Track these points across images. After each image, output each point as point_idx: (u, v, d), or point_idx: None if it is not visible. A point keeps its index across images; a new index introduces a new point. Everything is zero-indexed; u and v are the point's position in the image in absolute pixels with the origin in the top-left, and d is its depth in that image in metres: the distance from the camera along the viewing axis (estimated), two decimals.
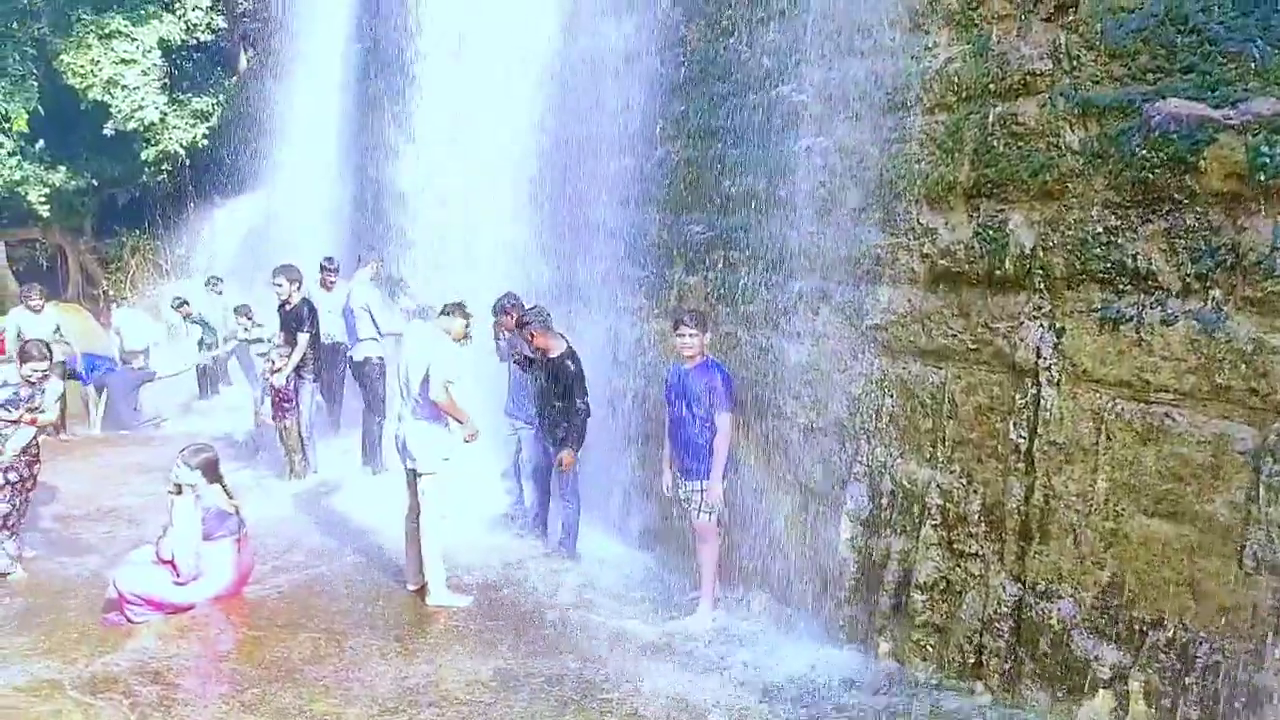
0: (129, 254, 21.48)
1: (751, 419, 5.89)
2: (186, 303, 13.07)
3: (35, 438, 6.43)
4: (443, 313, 6.07)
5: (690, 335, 5.57)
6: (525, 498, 7.42)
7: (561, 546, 6.87)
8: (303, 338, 8.75)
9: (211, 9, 19.91)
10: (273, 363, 8.78)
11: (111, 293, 21.57)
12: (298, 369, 8.76)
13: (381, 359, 9.04)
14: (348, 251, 11.66)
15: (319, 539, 7.20)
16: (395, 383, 5.94)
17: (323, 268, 10.00)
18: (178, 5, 19.20)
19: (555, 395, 6.67)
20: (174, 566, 5.57)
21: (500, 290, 7.47)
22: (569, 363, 6.64)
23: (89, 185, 20.47)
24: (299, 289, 8.90)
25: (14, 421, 6.21)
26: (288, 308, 8.86)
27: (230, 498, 5.95)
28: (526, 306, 7.05)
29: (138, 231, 21.61)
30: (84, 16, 17.84)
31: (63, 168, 19.79)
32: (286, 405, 8.68)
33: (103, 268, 22.36)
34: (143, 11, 18.37)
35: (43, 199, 19.65)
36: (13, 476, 6.25)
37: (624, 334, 7.41)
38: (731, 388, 5.61)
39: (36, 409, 6.31)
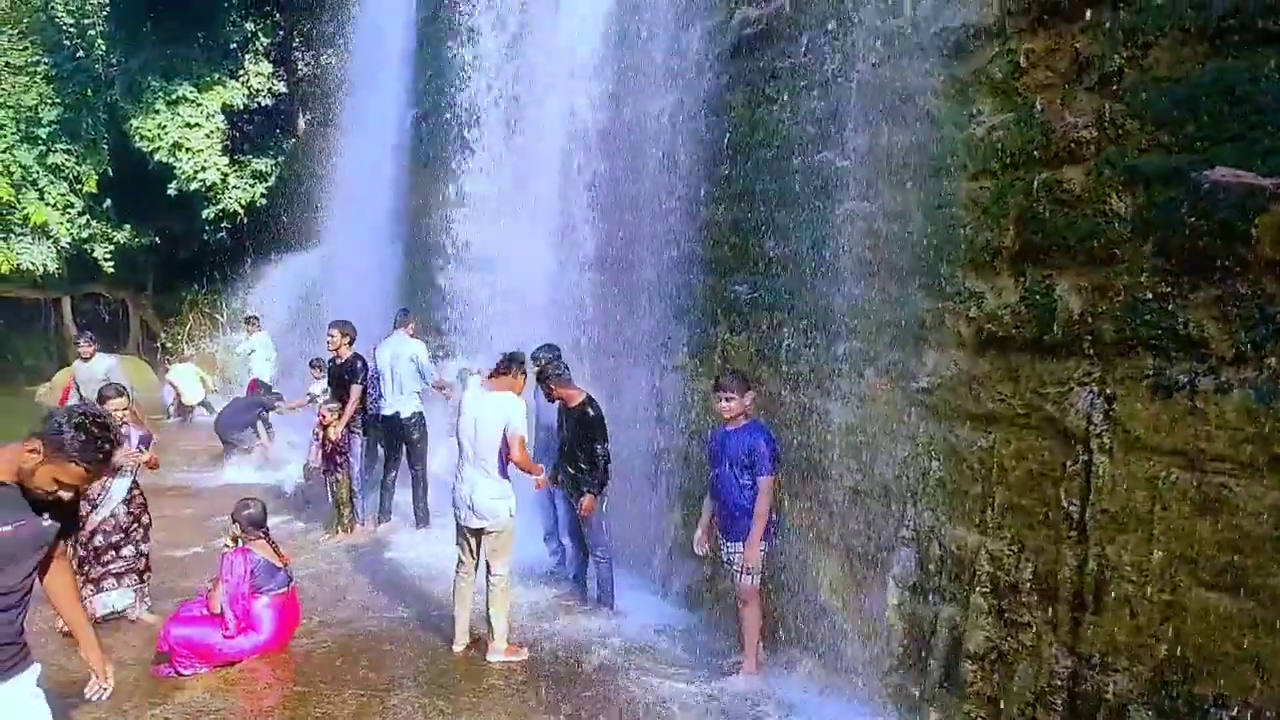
0: (187, 308, 22.20)
1: (796, 480, 5.87)
2: (257, 318, 13.77)
3: (135, 483, 6.38)
4: (503, 369, 6.01)
5: (730, 398, 5.59)
6: (567, 556, 7.44)
7: (600, 603, 6.86)
8: (355, 390, 8.92)
9: (273, 75, 20.78)
10: (323, 416, 8.94)
11: (169, 345, 22.27)
12: (349, 422, 8.91)
13: (423, 414, 9.15)
14: (398, 307, 11.93)
15: (366, 594, 7.26)
16: (463, 441, 5.93)
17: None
18: (241, 72, 20.08)
19: (577, 444, 6.76)
20: (224, 620, 5.66)
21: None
22: (589, 410, 6.74)
23: (152, 243, 21.28)
24: (350, 343, 9.10)
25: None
26: (339, 361, 9.05)
27: (278, 553, 6.04)
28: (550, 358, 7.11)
29: (196, 287, 22.36)
30: (153, 84, 18.72)
31: (128, 226, 20.63)
32: (339, 459, 8.82)
33: (161, 322, 23.10)
34: (209, 79, 19.24)
35: (108, 255, 20.47)
36: (117, 530, 6.26)
37: (668, 393, 7.45)
38: (775, 450, 5.61)
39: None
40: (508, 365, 6.01)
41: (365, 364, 9.14)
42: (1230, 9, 3.43)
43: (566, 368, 6.96)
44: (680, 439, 7.23)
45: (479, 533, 5.91)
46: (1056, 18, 4.14)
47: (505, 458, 5.83)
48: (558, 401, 7.00)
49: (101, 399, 6.40)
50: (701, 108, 6.95)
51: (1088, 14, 3.99)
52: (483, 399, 5.89)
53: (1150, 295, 3.77)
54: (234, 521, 5.98)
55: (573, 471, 6.84)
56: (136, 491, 6.45)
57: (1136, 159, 3.80)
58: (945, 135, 4.74)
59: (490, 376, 6.05)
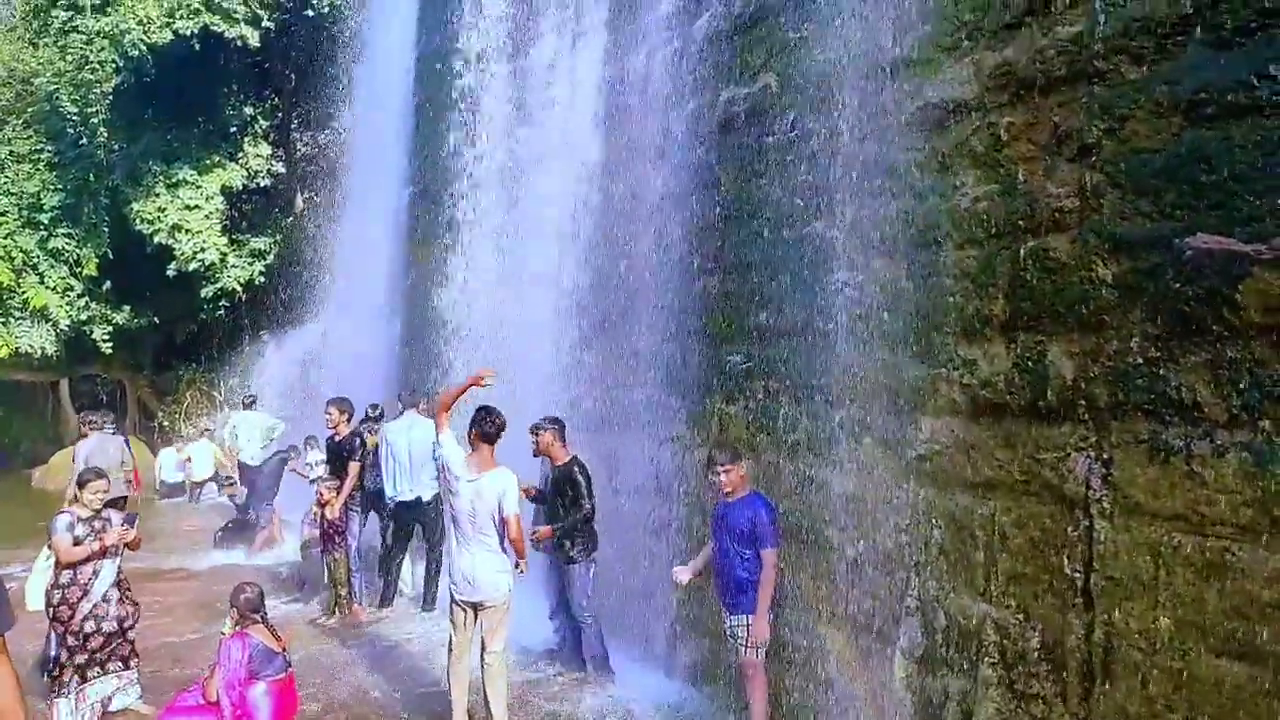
0: (185, 387, 22.21)
1: (797, 551, 5.81)
2: (254, 397, 14.19)
3: (119, 569, 6.22)
4: (488, 434, 5.88)
5: (725, 471, 5.57)
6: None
7: (596, 672, 6.74)
8: (353, 467, 8.87)
9: (272, 156, 21.17)
10: (321, 495, 8.88)
11: (166, 424, 22.22)
12: (347, 501, 8.85)
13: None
14: (397, 385, 11.95)
15: (364, 676, 7.12)
16: (461, 516, 5.86)
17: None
18: (240, 154, 20.46)
19: (561, 505, 6.72)
20: (219, 709, 5.54)
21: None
22: (575, 469, 6.71)
23: (151, 322, 21.39)
24: (349, 420, 9.09)
25: (91, 557, 6.03)
26: (338, 438, 9.03)
27: (276, 636, 5.95)
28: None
29: (194, 365, 22.41)
30: (154, 168, 19.07)
31: (127, 307, 20.76)
32: (336, 538, 8.73)
33: (159, 401, 23.09)
34: (208, 161, 19.60)
35: (106, 337, 20.55)
36: (110, 617, 6.12)
37: (666, 464, 7.43)
38: (775, 521, 5.57)
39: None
40: (491, 428, 5.91)
41: (364, 441, 9.12)
42: (1201, 85, 3.54)
43: (563, 424, 6.95)
44: (680, 510, 7.18)
45: (477, 607, 5.83)
46: (1033, 92, 4.26)
47: (502, 533, 5.79)
48: (544, 460, 7.00)
49: (80, 483, 6.33)
50: (693, 182, 7.09)
51: (1064, 89, 4.10)
52: (480, 476, 5.85)
53: (1141, 360, 3.81)
54: (232, 606, 5.89)
55: (558, 535, 6.79)
56: (122, 575, 6.38)
57: (1119, 227, 3.88)
58: (931, 206, 4.83)
59: (477, 440, 5.94)
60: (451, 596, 5.93)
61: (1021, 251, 4.33)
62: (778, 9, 6.12)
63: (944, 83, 4.75)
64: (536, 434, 7.00)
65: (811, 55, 5.75)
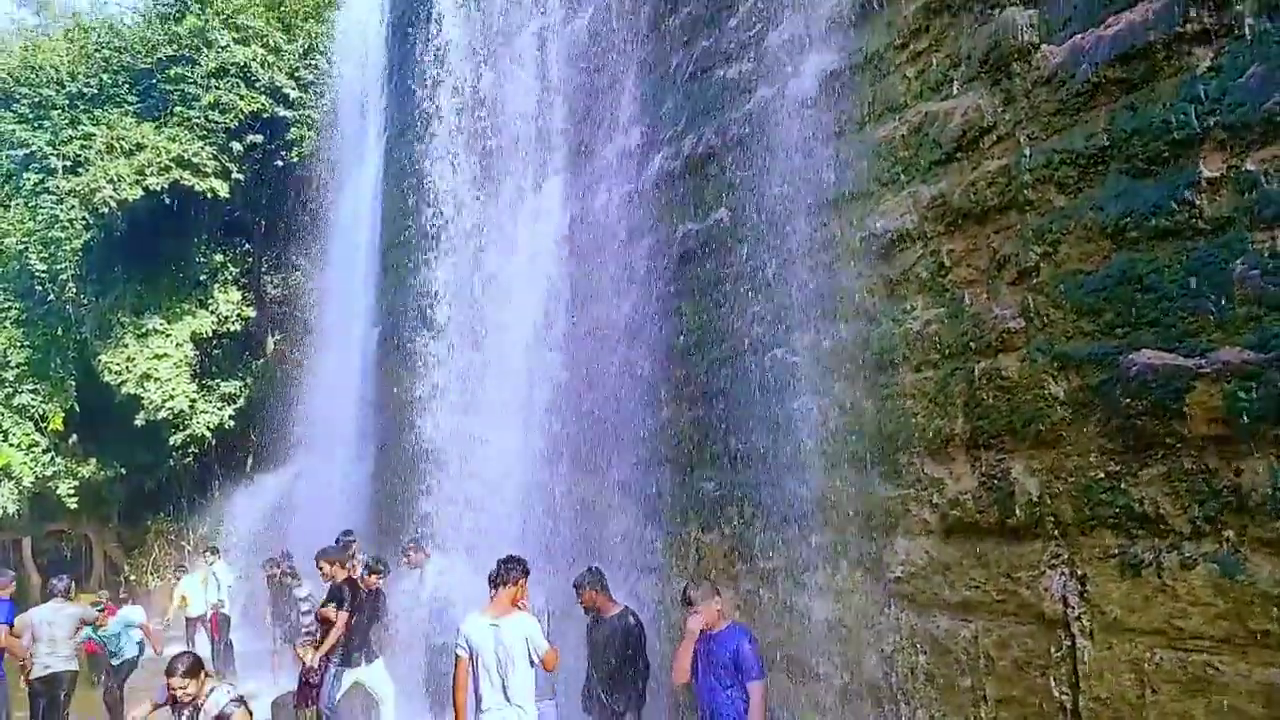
0: (152, 538, 21.63)
1: (783, 681, 5.66)
2: (216, 550, 13.93)
3: None
4: (507, 578, 5.84)
5: (698, 613, 5.45)
6: None
7: None
8: (341, 616, 8.47)
9: (242, 301, 21.34)
10: (312, 637, 8.52)
11: (134, 578, 21.51)
12: (328, 651, 8.47)
13: None
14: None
15: None
16: (484, 675, 5.61)
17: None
18: (211, 300, 20.61)
19: (616, 658, 6.30)
20: None
21: (522, 554, 7.38)
22: (631, 619, 6.36)
23: (117, 474, 20.97)
24: (342, 566, 8.76)
25: None
26: (334, 582, 8.70)
27: None
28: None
29: (162, 515, 21.89)
30: (123, 319, 19.12)
31: (93, 459, 20.40)
32: (310, 688, 8.34)
33: (125, 554, 22.43)
34: (178, 310, 19.70)
35: (71, 492, 20.09)
36: None
37: (646, 596, 7.29)
38: (758, 651, 5.44)
39: None
40: (509, 573, 5.82)
41: (356, 589, 8.80)
42: (1124, 210, 3.73)
43: (603, 574, 6.71)
44: (663, 645, 7.00)
45: None
46: (970, 221, 4.45)
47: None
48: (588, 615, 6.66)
49: None
50: (656, 313, 7.24)
51: (998, 217, 4.30)
52: (498, 628, 5.67)
53: (1103, 474, 3.86)
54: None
55: (608, 692, 6.29)
56: None
57: (1065, 345, 3.99)
58: (885, 330, 4.96)
59: (496, 587, 5.82)
60: None
61: (975, 371, 4.44)
62: (725, 150, 6.41)
63: (886, 214, 4.96)
64: (579, 590, 6.63)
65: (760, 191, 6.00)
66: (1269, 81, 3.28)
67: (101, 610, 11.11)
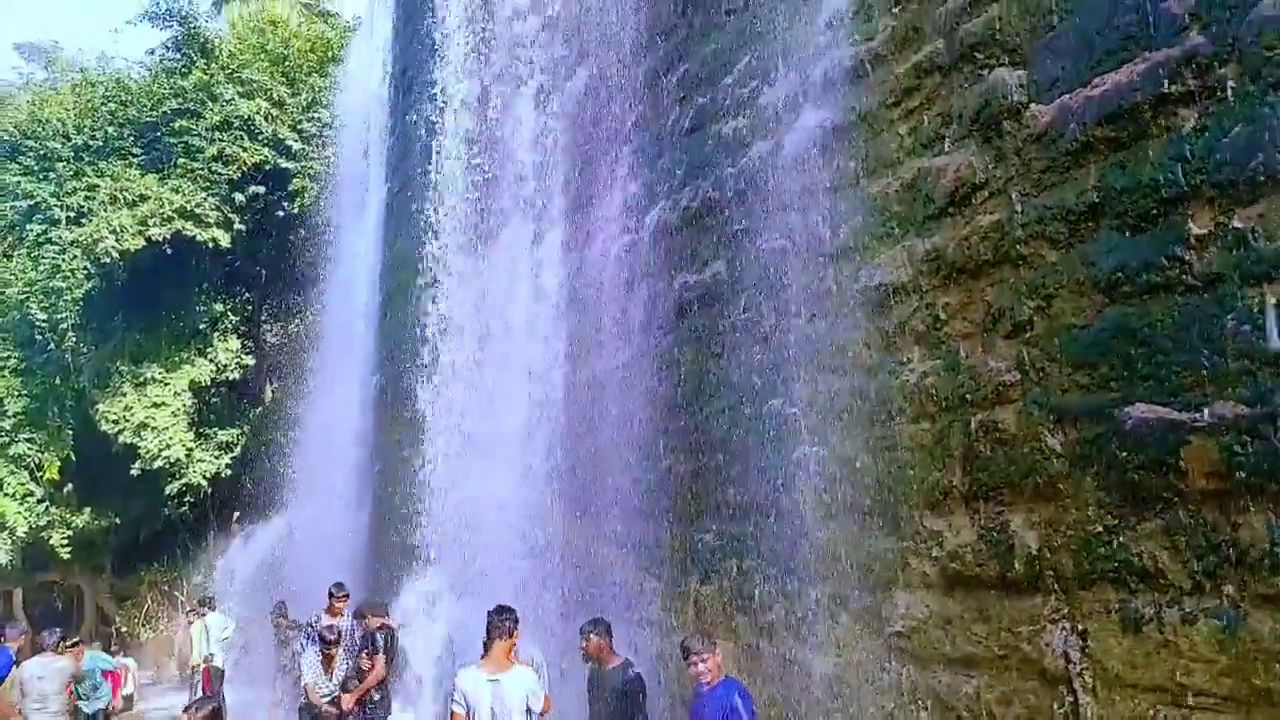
0: (145, 589, 21.37)
1: None
2: (211, 598, 13.57)
3: None
4: (505, 631, 5.70)
5: (704, 659, 5.39)
6: None
7: None
8: (380, 661, 8.29)
9: (241, 349, 21.36)
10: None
11: (125, 629, 21.21)
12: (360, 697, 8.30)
13: None
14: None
15: None
16: None
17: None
18: (210, 349, 20.63)
19: (616, 710, 6.22)
20: None
21: (519, 604, 7.30)
22: (632, 671, 6.27)
23: (112, 524, 20.78)
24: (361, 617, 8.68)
25: None
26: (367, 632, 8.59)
27: None
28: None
29: (155, 565, 21.65)
30: (122, 368, 19.11)
31: (88, 509, 20.23)
32: None
33: (118, 605, 22.14)
34: (177, 359, 19.70)
35: (64, 541, 19.89)
36: None
37: (644, 648, 7.20)
38: (751, 707, 5.35)
39: None
40: (504, 625, 5.76)
41: (392, 635, 8.64)
42: (1116, 265, 3.78)
43: (609, 624, 6.61)
44: (662, 699, 6.90)
45: None
46: (964, 275, 4.51)
47: None
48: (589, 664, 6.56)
49: None
50: (653, 364, 7.28)
51: (992, 271, 4.36)
52: (497, 683, 5.58)
53: (1101, 528, 3.85)
54: None
55: None
56: None
57: (1060, 399, 4.02)
58: (881, 383, 4.99)
59: (492, 639, 5.74)
60: None
61: (972, 424, 4.45)
62: (722, 203, 6.50)
63: (881, 267, 5.02)
64: (585, 637, 6.56)
65: (757, 244, 6.07)
66: (1253, 141, 3.35)
67: (75, 645, 10.82)
